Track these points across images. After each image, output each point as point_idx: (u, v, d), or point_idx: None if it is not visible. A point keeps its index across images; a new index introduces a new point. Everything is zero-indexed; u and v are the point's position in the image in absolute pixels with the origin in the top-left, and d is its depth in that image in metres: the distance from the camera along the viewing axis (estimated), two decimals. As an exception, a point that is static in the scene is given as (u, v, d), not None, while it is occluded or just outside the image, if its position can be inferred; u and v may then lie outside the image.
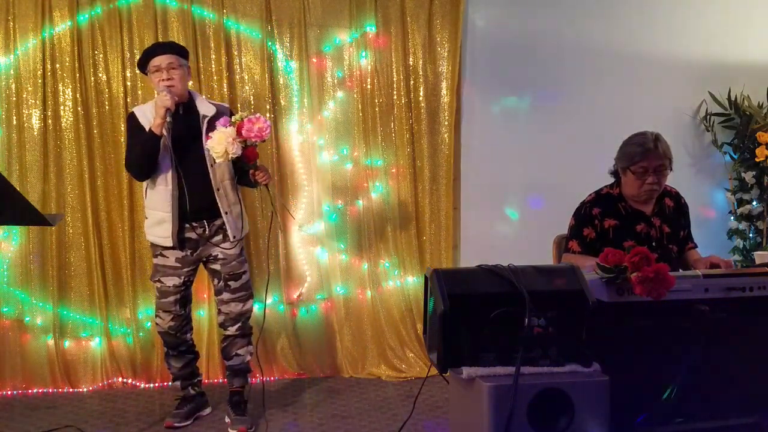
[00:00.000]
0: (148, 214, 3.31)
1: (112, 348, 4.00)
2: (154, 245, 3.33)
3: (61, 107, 3.94)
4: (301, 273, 4.21)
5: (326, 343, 4.21)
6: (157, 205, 3.24)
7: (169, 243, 3.24)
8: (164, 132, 3.11)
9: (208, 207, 3.24)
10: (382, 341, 4.19)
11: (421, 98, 4.24)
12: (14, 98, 3.90)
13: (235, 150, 2.98)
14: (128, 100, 3.96)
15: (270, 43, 4.10)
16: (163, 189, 3.20)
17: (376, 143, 4.21)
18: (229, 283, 3.34)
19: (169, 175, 3.19)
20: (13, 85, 3.90)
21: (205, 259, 3.35)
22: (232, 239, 3.28)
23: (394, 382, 4.03)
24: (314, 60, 4.15)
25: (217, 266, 3.33)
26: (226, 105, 3.50)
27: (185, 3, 3.98)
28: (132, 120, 3.28)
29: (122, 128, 3.94)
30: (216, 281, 3.38)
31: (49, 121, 3.92)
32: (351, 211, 4.24)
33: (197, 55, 4.00)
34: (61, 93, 3.94)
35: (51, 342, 3.94)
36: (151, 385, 4.00)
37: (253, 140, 3.00)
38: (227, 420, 3.42)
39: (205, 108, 3.28)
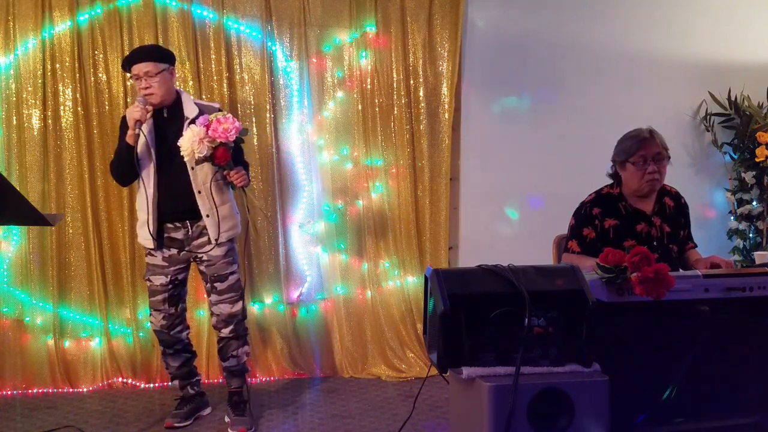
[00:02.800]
0: (137, 215, 3.35)
1: (112, 348, 4.00)
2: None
3: (61, 107, 3.95)
4: (301, 273, 4.21)
5: (326, 343, 4.21)
6: (141, 206, 3.28)
7: (150, 245, 3.27)
8: (144, 136, 3.14)
9: (190, 209, 3.24)
10: (382, 341, 4.19)
11: (421, 98, 4.24)
12: (14, 98, 3.90)
13: (201, 150, 2.96)
14: (128, 100, 3.96)
15: (270, 43, 4.10)
16: (145, 192, 3.23)
17: (376, 143, 4.21)
18: (215, 285, 3.33)
19: (151, 177, 3.21)
20: (13, 85, 3.90)
21: (194, 261, 3.36)
22: (213, 241, 3.26)
23: (394, 382, 4.03)
24: (314, 60, 4.15)
25: (203, 268, 3.33)
26: (217, 105, 3.43)
27: (185, 3, 3.98)
28: (122, 123, 3.29)
29: (122, 128, 3.97)
30: (204, 283, 3.39)
31: (49, 121, 3.92)
32: (351, 211, 4.24)
33: (197, 55, 4.00)
34: (61, 93, 3.94)
35: (51, 342, 3.95)
36: (151, 385, 4.00)
37: (219, 141, 2.97)
38: (227, 420, 3.42)
39: (190, 109, 3.26)
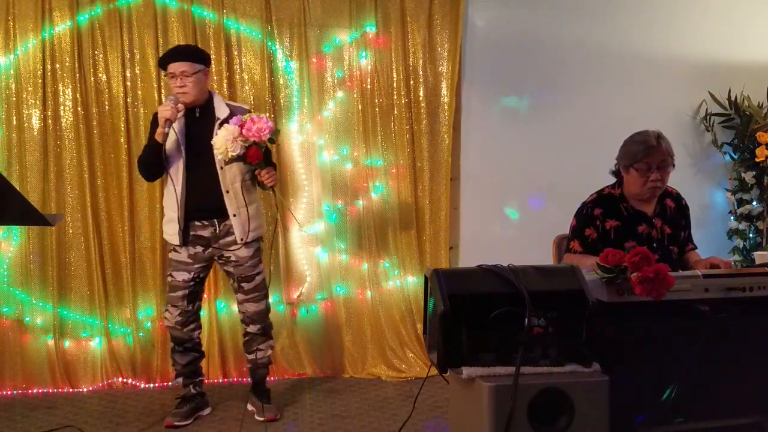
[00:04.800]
0: (164, 212, 3.41)
1: (112, 348, 4.00)
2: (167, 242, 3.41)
3: (61, 107, 3.95)
4: (301, 273, 4.21)
5: (326, 343, 4.21)
6: (168, 203, 3.33)
7: (176, 241, 3.31)
8: (176, 134, 3.20)
9: (218, 208, 3.30)
10: (382, 341, 4.19)
11: (421, 98, 4.24)
12: (14, 98, 3.90)
13: (234, 148, 3.03)
14: (128, 100, 3.97)
15: (270, 43, 4.10)
16: (173, 189, 3.27)
17: (376, 143, 4.21)
18: (242, 285, 3.41)
19: (180, 175, 3.25)
20: (13, 85, 3.90)
21: (218, 260, 3.41)
22: (239, 241, 3.32)
23: (394, 382, 4.03)
24: (314, 60, 4.15)
25: (230, 268, 3.40)
26: (247, 107, 3.52)
27: (185, 3, 3.98)
28: (153, 119, 3.34)
29: (122, 128, 3.97)
30: (231, 281, 3.48)
31: (49, 121, 3.93)
32: (351, 211, 4.24)
33: (197, 55, 4.00)
34: (61, 93, 3.94)
35: (51, 342, 3.95)
36: (151, 385, 4.00)
37: (252, 140, 3.04)
38: (250, 408, 3.51)
39: (221, 110, 3.33)
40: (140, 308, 4.03)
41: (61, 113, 3.95)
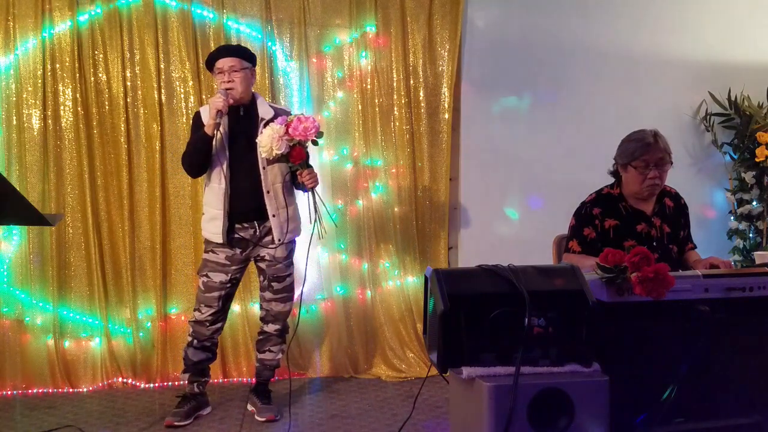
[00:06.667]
0: (204, 210, 3.42)
1: (112, 348, 4.00)
2: (207, 241, 3.41)
3: (61, 107, 3.95)
4: (300, 273, 4.20)
5: (326, 343, 4.21)
6: (211, 201, 3.34)
7: (219, 239, 3.32)
8: (221, 131, 3.22)
9: (258, 208, 3.32)
10: (382, 341, 4.19)
11: (421, 98, 4.24)
12: (14, 98, 3.90)
13: (280, 147, 3.05)
14: (128, 100, 3.97)
15: (270, 43, 4.10)
16: (217, 187, 3.29)
17: (376, 143, 4.21)
18: (272, 284, 3.44)
19: (223, 173, 3.27)
20: (13, 85, 3.90)
21: (254, 258, 3.45)
22: (276, 242, 3.35)
23: (394, 382, 4.04)
24: (314, 60, 4.15)
25: (263, 265, 3.44)
26: (288, 109, 3.52)
27: (185, 3, 3.98)
28: (196, 118, 3.38)
29: (122, 128, 3.96)
30: (261, 278, 3.50)
31: (49, 121, 3.92)
32: (351, 211, 4.24)
33: (197, 55, 4.00)
34: (61, 93, 3.94)
35: (51, 342, 3.94)
36: (151, 385, 4.00)
37: (299, 139, 3.05)
38: (251, 408, 3.52)
39: (264, 110, 3.36)
40: (140, 308, 4.03)
41: (61, 113, 3.95)
